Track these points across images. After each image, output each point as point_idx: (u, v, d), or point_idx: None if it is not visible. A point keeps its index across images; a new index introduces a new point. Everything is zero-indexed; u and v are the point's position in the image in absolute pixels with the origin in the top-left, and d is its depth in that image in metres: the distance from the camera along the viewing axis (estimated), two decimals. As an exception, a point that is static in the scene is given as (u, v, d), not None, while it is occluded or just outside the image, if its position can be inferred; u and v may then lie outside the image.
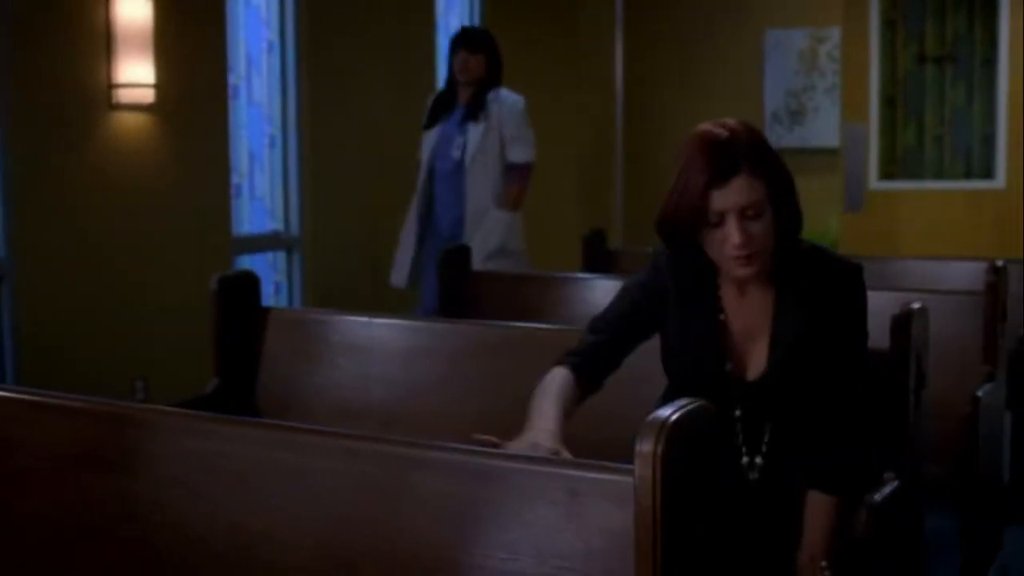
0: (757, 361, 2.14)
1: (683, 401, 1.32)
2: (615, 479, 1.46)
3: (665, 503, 1.28)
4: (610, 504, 1.46)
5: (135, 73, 4.22)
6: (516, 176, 4.83)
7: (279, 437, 1.75)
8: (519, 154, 4.82)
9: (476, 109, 4.75)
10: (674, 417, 1.29)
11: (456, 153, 4.78)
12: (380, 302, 5.04)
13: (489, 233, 4.72)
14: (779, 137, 7.21)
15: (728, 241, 2.03)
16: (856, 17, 6.36)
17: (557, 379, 2.14)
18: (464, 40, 4.81)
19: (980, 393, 3.11)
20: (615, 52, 7.19)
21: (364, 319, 3.01)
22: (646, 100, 7.32)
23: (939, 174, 6.34)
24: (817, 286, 2.11)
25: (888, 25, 6.29)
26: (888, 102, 6.37)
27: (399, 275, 4.94)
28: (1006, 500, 3.57)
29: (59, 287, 4.15)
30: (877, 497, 2.12)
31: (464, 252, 4.49)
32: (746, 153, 2.02)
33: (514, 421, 2.11)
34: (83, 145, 4.22)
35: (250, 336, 3.02)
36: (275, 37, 5.18)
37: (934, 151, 6.35)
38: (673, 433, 1.26)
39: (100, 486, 1.80)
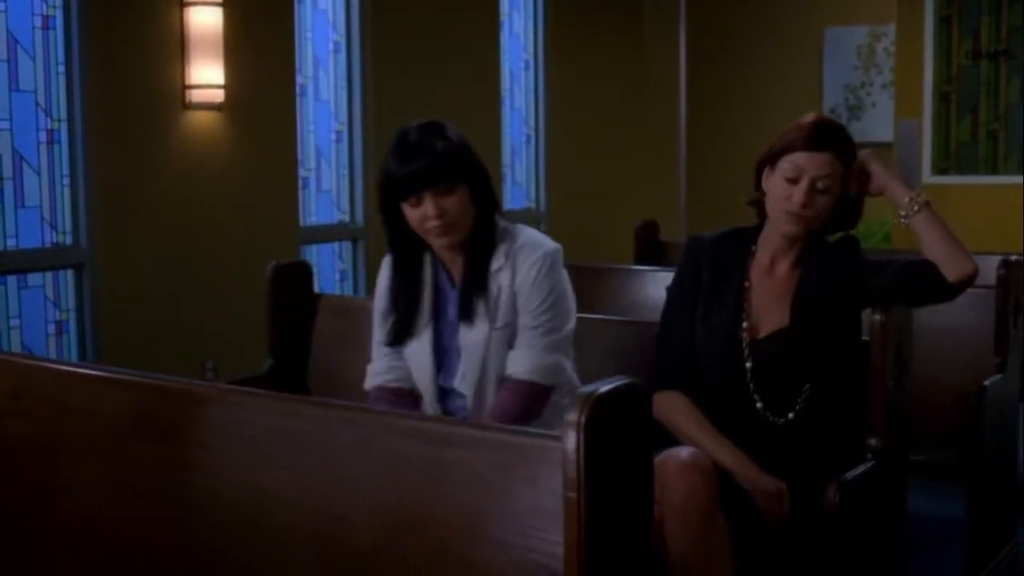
0: (774, 322, 2.40)
1: (617, 378, 1.52)
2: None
3: (589, 468, 1.46)
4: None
5: (206, 75, 4.52)
6: None
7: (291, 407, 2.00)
8: None
9: None
10: (601, 391, 1.49)
11: None
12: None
13: None
14: (838, 131, 7.25)
15: (792, 199, 2.36)
16: (911, 13, 6.42)
17: (684, 408, 2.39)
18: None
19: (987, 383, 3.23)
20: (679, 47, 7.33)
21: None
22: (709, 97, 7.46)
23: (993, 169, 6.37)
24: (835, 257, 2.42)
25: (943, 21, 6.34)
26: (942, 97, 6.42)
27: None
28: (1020, 491, 3.63)
29: (136, 274, 4.43)
30: (849, 475, 2.30)
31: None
32: (841, 140, 2.39)
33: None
34: (159, 141, 4.52)
35: (303, 321, 3.26)
36: (341, 38, 5.43)
37: (988, 146, 6.39)
38: (597, 405, 1.46)
39: (145, 451, 2.06)
